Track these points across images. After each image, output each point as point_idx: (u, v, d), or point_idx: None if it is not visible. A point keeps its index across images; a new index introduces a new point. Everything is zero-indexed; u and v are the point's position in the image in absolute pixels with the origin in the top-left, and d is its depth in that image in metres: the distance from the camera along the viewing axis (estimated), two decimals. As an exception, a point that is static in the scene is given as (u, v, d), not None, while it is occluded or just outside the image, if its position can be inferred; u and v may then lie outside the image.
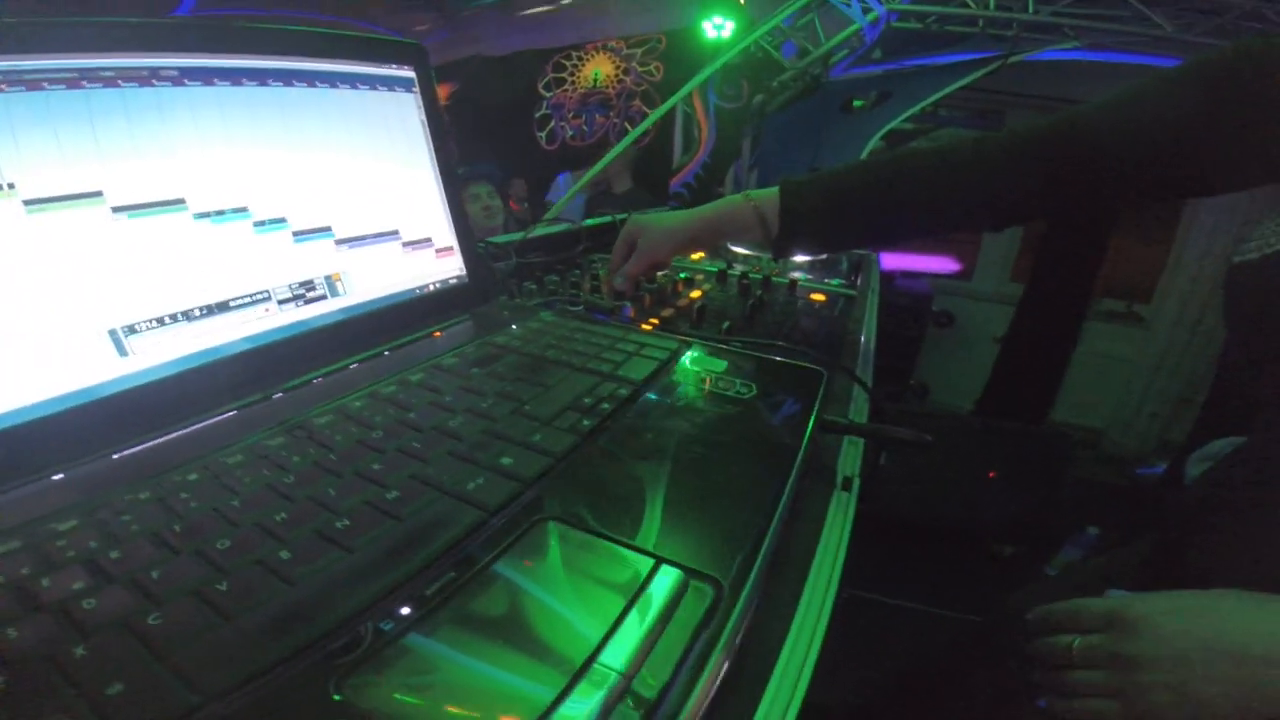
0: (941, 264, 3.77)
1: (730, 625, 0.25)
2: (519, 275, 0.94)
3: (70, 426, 0.36)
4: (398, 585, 0.26)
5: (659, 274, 1.00)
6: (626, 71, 5.53)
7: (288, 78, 0.50)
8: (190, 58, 0.44)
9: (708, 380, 0.50)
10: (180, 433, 0.39)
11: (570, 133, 5.77)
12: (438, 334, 0.58)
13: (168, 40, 0.43)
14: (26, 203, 0.36)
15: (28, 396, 0.35)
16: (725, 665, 0.24)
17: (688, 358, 0.54)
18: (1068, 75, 2.87)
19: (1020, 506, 2.36)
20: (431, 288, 0.61)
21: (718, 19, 3.47)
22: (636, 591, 0.26)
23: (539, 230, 1.24)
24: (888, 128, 3.10)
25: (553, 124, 5.97)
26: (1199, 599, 0.38)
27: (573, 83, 5.82)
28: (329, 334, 0.50)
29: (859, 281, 1.18)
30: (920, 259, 3.75)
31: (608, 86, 5.68)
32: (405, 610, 0.25)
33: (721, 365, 0.52)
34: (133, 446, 0.38)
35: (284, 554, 0.27)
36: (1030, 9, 2.61)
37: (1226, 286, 0.52)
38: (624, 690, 0.22)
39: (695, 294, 0.93)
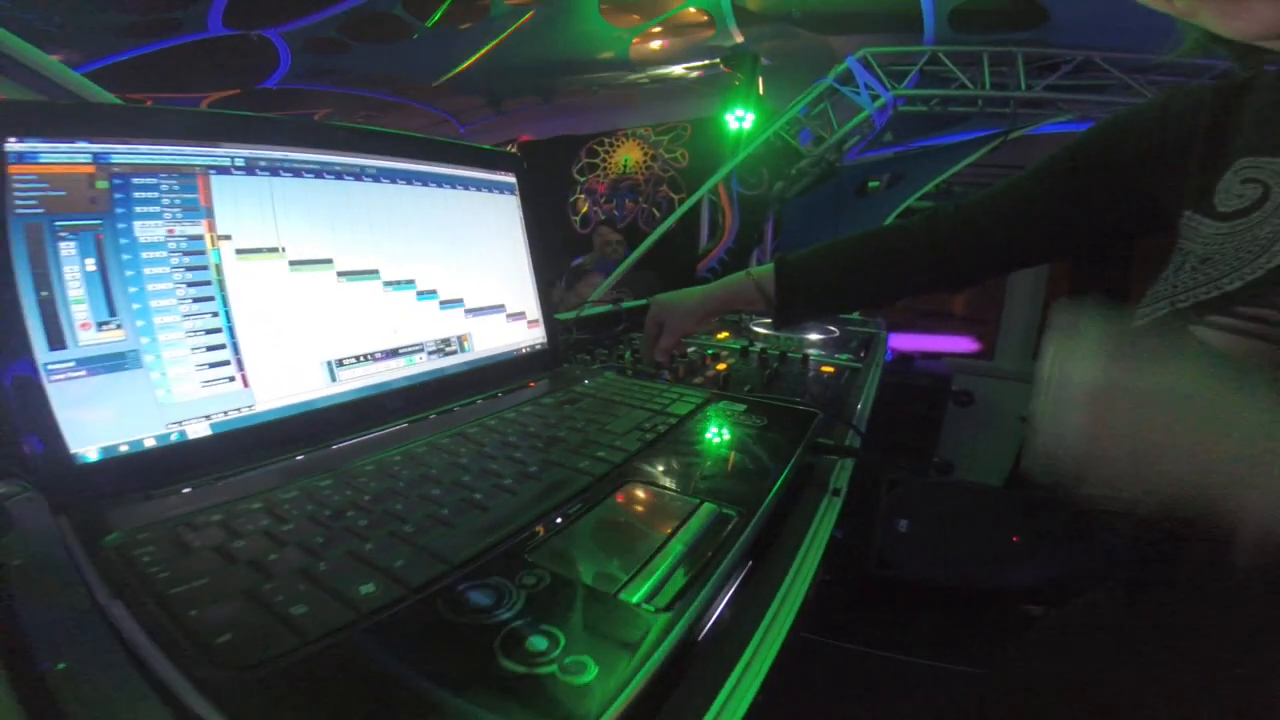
0: (960, 344, 3.91)
1: (747, 531, 0.41)
2: (574, 348, 1.14)
3: (302, 426, 0.55)
4: (550, 510, 0.43)
5: (689, 350, 1.18)
6: (654, 158, 5.88)
7: (439, 180, 0.72)
8: (383, 160, 0.65)
9: (731, 416, 0.67)
10: (366, 437, 0.57)
11: (603, 217, 6.10)
12: (532, 384, 0.76)
13: (372, 144, 0.65)
14: (291, 263, 0.55)
15: (279, 401, 0.54)
16: (748, 565, 0.41)
17: (716, 404, 0.71)
18: (1069, 146, 3.08)
19: (1045, 569, 2.41)
20: (524, 350, 0.80)
21: (739, 111, 3.77)
22: (687, 516, 0.43)
23: (588, 311, 1.45)
24: (903, 206, 3.30)
25: (586, 208, 6.29)
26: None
27: (604, 168, 6.19)
28: (460, 378, 0.69)
29: (865, 356, 1.34)
30: (939, 340, 3.90)
31: (637, 172, 6.03)
32: (559, 520, 0.42)
33: (742, 408, 0.69)
34: (338, 443, 0.56)
35: (499, 479, 0.44)
36: (1023, 86, 2.84)
37: None
38: (688, 562, 0.38)
39: (721, 366, 1.11)
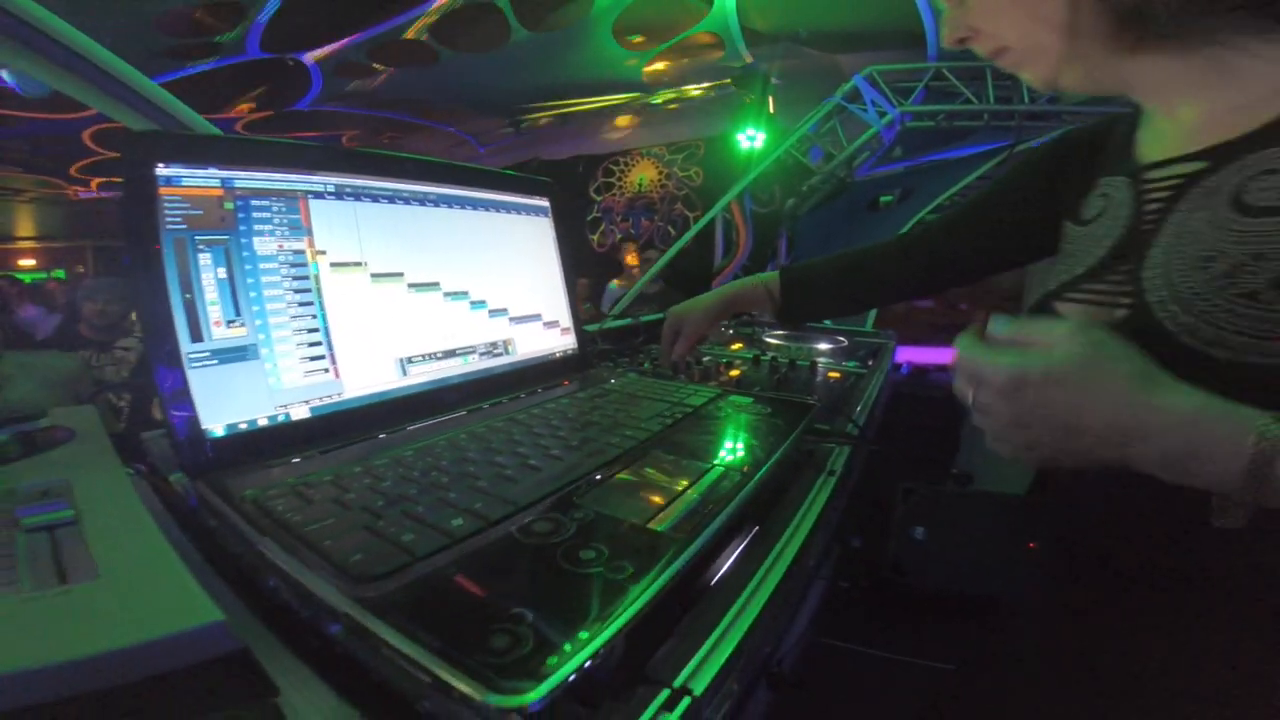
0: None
1: (749, 485, 0.51)
2: (598, 358, 1.24)
3: (381, 411, 0.66)
4: (591, 470, 0.53)
5: (704, 358, 1.29)
6: (669, 176, 6.01)
7: (487, 205, 0.83)
8: (441, 187, 0.77)
9: (739, 406, 0.77)
10: (433, 421, 0.68)
11: (619, 235, 6.22)
12: (565, 383, 0.87)
13: (433, 173, 0.76)
14: (372, 276, 0.66)
15: (363, 390, 0.65)
16: (754, 530, 0.51)
17: (727, 397, 0.81)
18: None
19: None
20: (558, 354, 0.91)
21: (750, 130, 3.88)
22: (701, 474, 0.53)
23: (609, 324, 1.56)
24: (914, 220, 3.36)
25: (603, 226, 6.43)
26: (1088, 370, 0.42)
27: (620, 187, 6.32)
28: (506, 376, 0.80)
29: (871, 364, 1.43)
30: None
31: (652, 191, 6.15)
32: (599, 476, 0.52)
33: (748, 400, 0.79)
34: (412, 426, 0.66)
35: (548, 451, 0.55)
36: (1026, 99, 2.92)
37: None
38: (701, 506, 0.48)
39: (734, 372, 1.21)
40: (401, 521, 0.44)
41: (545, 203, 0.93)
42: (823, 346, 1.64)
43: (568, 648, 0.31)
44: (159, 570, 0.36)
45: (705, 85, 4.81)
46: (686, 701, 0.37)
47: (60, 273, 9.10)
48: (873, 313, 3.42)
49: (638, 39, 3.96)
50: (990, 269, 0.85)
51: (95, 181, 6.45)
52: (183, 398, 0.53)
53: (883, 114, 3.26)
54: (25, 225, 8.68)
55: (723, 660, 0.41)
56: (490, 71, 4.43)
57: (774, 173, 3.73)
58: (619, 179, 6.51)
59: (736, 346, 1.58)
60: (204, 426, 0.54)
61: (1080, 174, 0.65)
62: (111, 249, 9.41)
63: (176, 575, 0.36)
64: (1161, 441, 0.40)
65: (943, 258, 0.88)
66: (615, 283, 4.43)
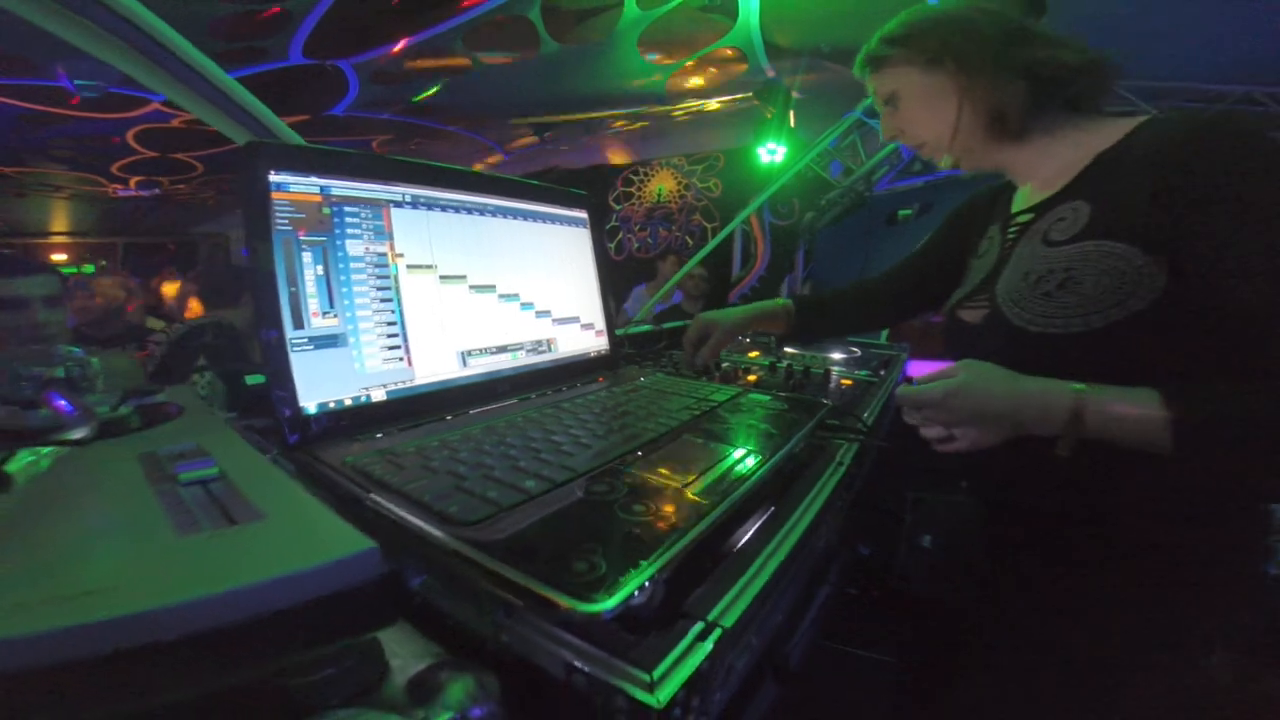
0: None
1: (769, 464, 0.60)
2: (624, 360, 1.33)
3: (446, 396, 0.75)
4: (632, 449, 0.62)
5: (724, 364, 1.37)
6: (688, 187, 6.07)
7: (534, 216, 0.92)
8: (497, 199, 0.86)
9: (759, 403, 0.86)
10: (490, 407, 0.77)
11: (636, 245, 6.30)
12: (601, 379, 0.96)
13: (490, 187, 0.86)
14: (441, 278, 0.76)
15: (430, 378, 0.74)
16: (770, 509, 0.60)
17: (747, 395, 0.90)
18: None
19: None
20: (593, 354, 1.00)
21: (771, 144, 3.95)
22: (724, 455, 0.62)
23: (631, 329, 1.65)
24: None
25: (621, 236, 6.50)
26: (979, 380, 0.69)
27: (639, 197, 6.38)
28: (549, 371, 0.90)
29: (883, 373, 1.51)
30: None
31: (670, 201, 6.21)
32: (640, 453, 0.61)
33: (767, 398, 0.88)
34: (473, 410, 0.75)
35: (595, 432, 0.63)
36: None
37: None
38: (728, 474, 0.57)
39: (752, 377, 1.29)
40: (483, 482, 0.53)
41: (584, 214, 1.03)
42: (836, 356, 1.71)
43: (632, 571, 0.40)
44: (312, 511, 0.45)
45: (727, 99, 4.88)
46: (718, 633, 0.46)
47: (90, 267, 9.34)
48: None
49: (662, 53, 4.05)
50: (937, 302, 1.05)
51: (134, 180, 6.63)
52: (285, 378, 0.63)
53: (902, 129, 3.31)
54: (60, 221, 8.90)
55: (747, 603, 0.50)
56: (517, 81, 4.53)
57: (794, 185, 3.78)
58: (638, 189, 6.57)
59: (754, 354, 1.66)
60: (301, 404, 0.63)
61: (981, 225, 0.93)
62: (139, 245, 9.64)
63: (328, 515, 0.44)
64: (1031, 410, 0.66)
65: (905, 294, 1.14)
66: (647, 286, 4.53)
